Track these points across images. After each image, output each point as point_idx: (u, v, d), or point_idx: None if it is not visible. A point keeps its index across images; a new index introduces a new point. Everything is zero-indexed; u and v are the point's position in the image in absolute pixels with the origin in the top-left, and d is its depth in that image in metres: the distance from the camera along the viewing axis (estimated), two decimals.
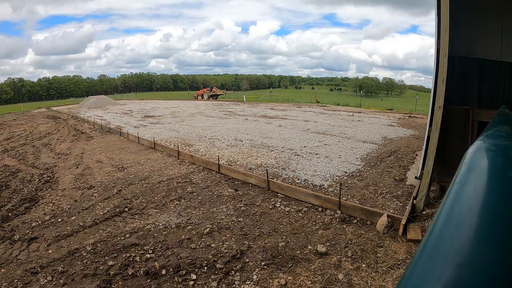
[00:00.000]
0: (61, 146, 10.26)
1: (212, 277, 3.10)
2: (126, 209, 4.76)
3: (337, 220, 4.25)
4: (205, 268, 3.23)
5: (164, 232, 4.02)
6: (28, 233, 4.06)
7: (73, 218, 4.51)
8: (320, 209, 4.60)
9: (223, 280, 3.05)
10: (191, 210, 4.69)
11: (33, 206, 5.03)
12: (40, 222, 4.38)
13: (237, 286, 2.96)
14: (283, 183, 5.50)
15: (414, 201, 4.41)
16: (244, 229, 4.06)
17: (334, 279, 2.99)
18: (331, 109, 21.47)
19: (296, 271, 3.16)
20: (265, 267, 3.24)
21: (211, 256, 3.42)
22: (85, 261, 3.37)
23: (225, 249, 3.58)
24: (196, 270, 3.20)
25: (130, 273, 3.14)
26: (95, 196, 5.37)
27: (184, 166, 7.13)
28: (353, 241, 3.69)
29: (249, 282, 3.01)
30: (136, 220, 4.39)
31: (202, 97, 38.50)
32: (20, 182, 6.39)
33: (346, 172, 6.30)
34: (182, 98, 41.92)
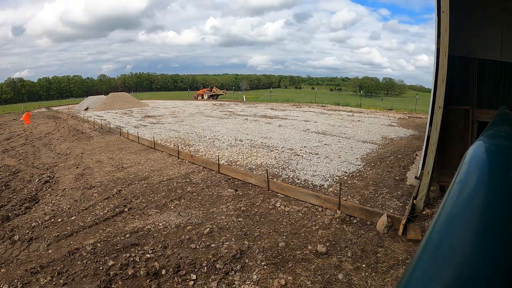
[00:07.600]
0: (61, 146, 10.26)
1: (212, 277, 3.10)
2: (126, 209, 4.76)
3: (337, 220, 4.25)
4: (205, 268, 3.23)
5: (164, 232, 4.02)
6: (28, 233, 4.06)
7: (73, 218, 4.51)
8: (320, 209, 4.59)
9: (223, 280, 3.05)
10: (191, 210, 4.69)
11: (33, 206, 5.03)
12: (40, 222, 4.38)
13: (237, 286, 2.96)
14: (283, 183, 5.50)
15: (414, 201, 4.41)
16: (244, 229, 4.06)
17: (334, 279, 2.99)
18: (331, 109, 21.46)
19: (296, 271, 3.16)
20: (265, 267, 3.24)
21: (211, 256, 3.42)
22: (85, 261, 3.37)
23: (225, 249, 3.58)
24: (196, 270, 3.20)
25: (130, 273, 3.14)
26: (95, 196, 5.37)
27: (184, 166, 7.13)
28: (353, 241, 3.69)
29: (249, 282, 3.01)
30: (136, 220, 4.39)
31: (202, 97, 38.51)
32: (20, 182, 6.39)
33: (346, 172, 6.30)
34: (182, 98, 41.97)
